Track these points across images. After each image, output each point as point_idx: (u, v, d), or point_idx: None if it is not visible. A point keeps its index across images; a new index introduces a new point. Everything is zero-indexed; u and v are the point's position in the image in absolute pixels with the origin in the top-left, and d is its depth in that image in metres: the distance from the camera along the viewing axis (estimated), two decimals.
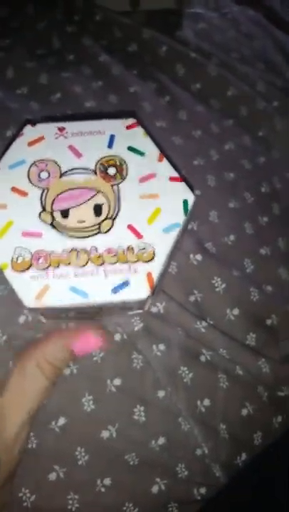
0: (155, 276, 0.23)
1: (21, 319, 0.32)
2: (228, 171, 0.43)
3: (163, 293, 0.35)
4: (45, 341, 0.24)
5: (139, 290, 0.23)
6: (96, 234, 0.24)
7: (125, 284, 0.23)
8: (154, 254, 0.24)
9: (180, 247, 0.36)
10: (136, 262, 0.23)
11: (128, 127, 0.27)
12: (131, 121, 0.27)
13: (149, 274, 0.23)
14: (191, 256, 0.37)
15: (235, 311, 0.37)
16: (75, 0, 0.52)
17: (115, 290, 0.23)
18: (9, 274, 0.23)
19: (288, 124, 0.48)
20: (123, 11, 0.53)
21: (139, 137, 0.26)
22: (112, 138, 0.26)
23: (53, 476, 0.29)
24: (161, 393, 0.32)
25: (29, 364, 0.23)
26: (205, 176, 0.42)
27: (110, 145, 0.26)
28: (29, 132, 0.27)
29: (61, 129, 0.27)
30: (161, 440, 0.32)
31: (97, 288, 0.23)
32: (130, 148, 0.26)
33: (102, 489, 0.30)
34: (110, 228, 0.24)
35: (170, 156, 0.39)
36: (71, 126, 0.27)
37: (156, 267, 0.23)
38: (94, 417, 0.31)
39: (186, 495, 0.32)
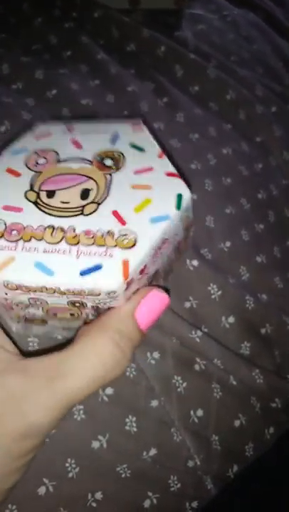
0: (132, 265, 0.21)
1: None
2: (226, 176, 0.42)
3: None
4: (114, 313, 0.21)
5: (111, 277, 0.21)
6: (77, 215, 0.23)
7: (97, 267, 0.21)
8: (135, 241, 0.22)
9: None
10: (114, 247, 0.21)
11: (134, 129, 0.26)
12: (138, 123, 0.27)
13: (125, 262, 0.21)
14: (188, 261, 0.36)
15: (231, 319, 0.36)
16: None
17: (84, 272, 0.21)
18: None
19: (286, 131, 0.48)
20: (122, 9, 0.52)
21: (143, 137, 0.26)
22: (116, 136, 0.26)
23: (42, 490, 0.28)
24: (154, 403, 0.32)
25: (80, 345, 0.20)
26: (202, 180, 0.41)
27: (113, 142, 0.26)
28: (39, 129, 0.27)
29: (70, 128, 0.27)
30: (153, 451, 0.31)
31: (65, 268, 0.21)
32: (132, 145, 0.25)
33: (94, 504, 0.28)
34: (94, 212, 0.23)
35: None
36: (81, 127, 0.27)
37: (135, 256, 0.21)
38: (84, 426, 0.30)
39: (177, 509, 0.31)
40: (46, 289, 0.21)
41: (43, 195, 0.23)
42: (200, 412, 0.33)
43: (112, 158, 0.25)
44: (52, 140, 0.26)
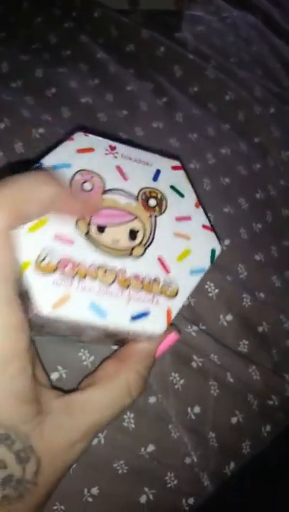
0: (173, 313, 0.23)
1: None
2: (224, 175, 0.43)
3: None
4: (140, 354, 0.24)
5: (156, 323, 0.23)
6: (127, 257, 0.23)
7: (145, 314, 0.22)
8: (177, 291, 0.23)
9: None
10: (159, 294, 0.23)
11: (173, 168, 0.27)
12: (176, 163, 0.27)
13: (169, 311, 0.23)
14: None
15: (228, 317, 0.36)
16: None
17: (134, 318, 0.22)
18: (30, 273, 0.21)
19: (284, 132, 0.48)
20: (122, 9, 0.52)
21: (182, 180, 0.27)
22: (158, 172, 0.26)
23: None
24: (152, 399, 0.32)
25: (117, 383, 0.23)
26: (201, 180, 0.41)
27: (155, 178, 0.26)
28: (79, 139, 0.26)
29: (112, 147, 0.26)
30: (151, 447, 0.31)
31: (117, 311, 0.22)
32: (172, 187, 0.26)
33: (90, 499, 0.28)
34: (141, 255, 0.23)
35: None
36: (121, 148, 0.26)
37: (176, 305, 0.23)
38: None
39: (174, 505, 0.31)
40: (96, 326, 0.22)
41: (94, 228, 0.23)
42: (197, 409, 0.33)
43: (155, 199, 0.25)
44: (95, 158, 0.25)
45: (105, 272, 0.22)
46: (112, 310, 0.22)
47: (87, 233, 0.23)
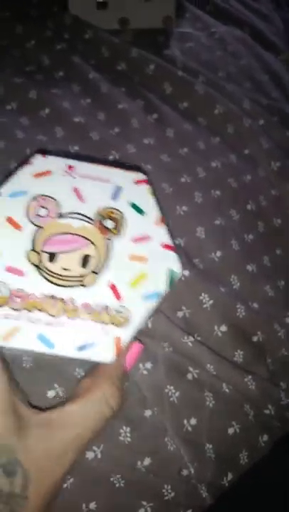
0: (124, 342, 0.23)
1: None
2: (215, 188, 0.43)
3: None
4: (111, 367, 0.25)
5: (104, 353, 0.23)
6: (77, 286, 0.23)
7: (92, 344, 0.23)
8: (128, 319, 0.23)
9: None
10: (108, 323, 0.23)
11: (137, 182, 0.26)
12: (141, 176, 0.27)
13: (117, 339, 0.23)
14: None
15: (223, 328, 0.37)
16: (65, 18, 0.53)
17: (81, 348, 0.23)
18: None
19: (273, 143, 0.49)
20: (112, 30, 0.53)
21: (144, 195, 0.26)
22: (117, 190, 0.26)
23: None
24: (147, 413, 0.32)
25: (94, 396, 0.24)
26: (192, 193, 0.42)
27: (114, 197, 0.26)
28: (38, 163, 0.26)
29: (70, 167, 0.26)
30: (147, 460, 0.31)
31: (64, 342, 0.23)
32: (132, 205, 0.26)
33: None
34: (93, 283, 0.24)
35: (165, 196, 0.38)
36: (81, 167, 0.26)
37: (126, 333, 0.23)
38: None
39: None
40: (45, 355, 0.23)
41: (45, 258, 0.24)
42: (193, 421, 0.33)
43: (113, 219, 0.25)
44: (52, 182, 0.25)
45: (54, 302, 0.23)
46: (59, 340, 0.22)
47: (38, 264, 0.23)
